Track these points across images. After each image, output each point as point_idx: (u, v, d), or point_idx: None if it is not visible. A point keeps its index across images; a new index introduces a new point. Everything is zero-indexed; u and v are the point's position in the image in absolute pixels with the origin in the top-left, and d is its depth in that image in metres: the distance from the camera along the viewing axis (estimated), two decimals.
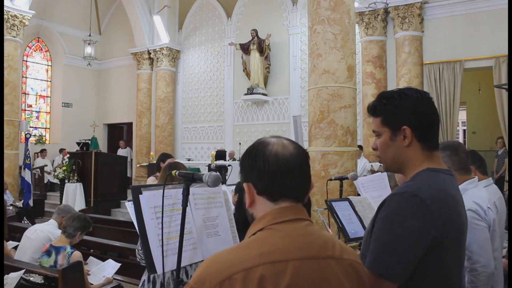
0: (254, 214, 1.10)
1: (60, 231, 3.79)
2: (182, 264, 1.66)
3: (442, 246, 1.18)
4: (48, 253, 3.44)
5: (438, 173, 1.28)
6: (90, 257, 4.14)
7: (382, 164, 1.43)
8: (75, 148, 10.82)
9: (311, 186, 1.12)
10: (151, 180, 4.97)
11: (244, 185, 1.10)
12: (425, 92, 1.35)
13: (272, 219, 1.04)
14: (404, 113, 1.30)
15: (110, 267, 3.86)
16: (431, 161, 1.31)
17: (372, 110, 1.37)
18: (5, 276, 3.26)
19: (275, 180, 1.04)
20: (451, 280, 1.23)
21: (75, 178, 9.69)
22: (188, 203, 1.68)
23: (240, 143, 10.88)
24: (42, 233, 3.95)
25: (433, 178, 1.26)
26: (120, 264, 3.89)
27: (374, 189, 2.99)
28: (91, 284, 3.56)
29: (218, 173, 1.65)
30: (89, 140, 10.66)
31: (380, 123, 1.35)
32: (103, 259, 4.09)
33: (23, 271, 3.30)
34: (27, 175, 9.15)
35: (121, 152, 13.08)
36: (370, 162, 8.10)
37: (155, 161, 6.65)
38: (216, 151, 10.26)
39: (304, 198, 1.10)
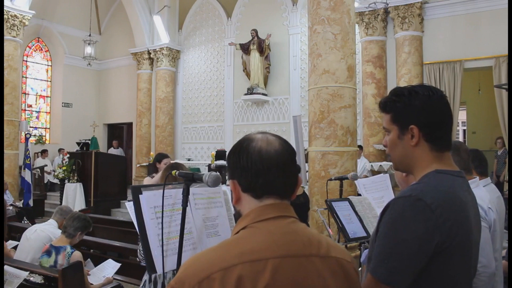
0: (240, 211, 1.09)
1: (60, 231, 3.79)
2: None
3: (448, 251, 1.15)
4: (48, 253, 3.45)
5: (446, 175, 1.25)
6: (88, 259, 4.14)
7: (390, 163, 1.42)
8: (75, 148, 10.82)
9: (299, 182, 1.10)
10: (147, 180, 4.97)
11: (230, 182, 1.10)
12: (437, 90, 1.29)
13: (255, 217, 1.03)
14: (413, 112, 1.26)
15: (110, 267, 3.86)
16: (440, 162, 1.27)
17: (383, 106, 1.33)
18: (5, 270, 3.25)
19: (258, 177, 1.03)
20: (458, 285, 1.21)
21: (75, 178, 9.69)
22: (188, 203, 1.68)
23: None
24: (42, 233, 3.95)
25: (440, 180, 1.22)
26: (120, 264, 3.89)
27: (376, 191, 2.98)
28: (91, 284, 3.56)
29: (218, 173, 1.65)
30: (89, 140, 10.67)
31: (389, 120, 1.31)
32: (103, 259, 4.09)
33: (27, 273, 3.28)
34: (27, 175, 9.16)
35: (112, 151, 13.09)
36: (370, 162, 8.10)
37: None
38: (216, 151, 10.26)
39: (290, 195, 1.09)
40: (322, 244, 1.05)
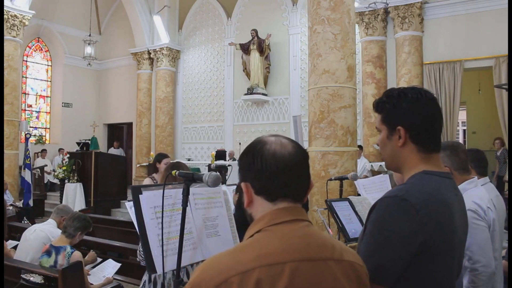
0: (252, 214, 1.09)
1: (59, 230, 3.79)
2: (182, 264, 1.65)
3: (432, 250, 1.17)
4: (48, 253, 3.44)
5: (433, 176, 1.27)
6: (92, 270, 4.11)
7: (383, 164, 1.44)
8: (75, 148, 10.82)
9: (311, 186, 1.10)
10: (147, 181, 4.96)
11: (242, 184, 1.09)
12: (427, 92, 1.31)
13: (270, 221, 1.03)
14: (400, 113, 1.29)
15: (110, 267, 3.86)
16: (428, 163, 1.29)
17: (375, 106, 1.37)
18: None
19: (273, 180, 1.03)
20: (440, 285, 1.23)
21: (75, 178, 9.68)
22: (188, 203, 1.68)
23: (240, 143, 10.88)
24: (41, 233, 3.95)
25: (426, 181, 1.25)
26: (120, 264, 3.89)
27: (376, 191, 2.98)
28: (91, 284, 3.57)
29: (218, 173, 1.65)
30: (89, 140, 10.66)
31: (380, 120, 1.35)
32: (103, 259, 4.09)
33: None
34: (27, 175, 9.15)
35: (112, 151, 13.09)
36: (370, 162, 8.10)
37: None
38: (216, 151, 10.27)
39: (303, 198, 1.09)
40: (336, 247, 1.05)
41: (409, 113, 1.28)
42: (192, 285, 0.96)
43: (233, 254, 0.99)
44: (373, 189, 3.01)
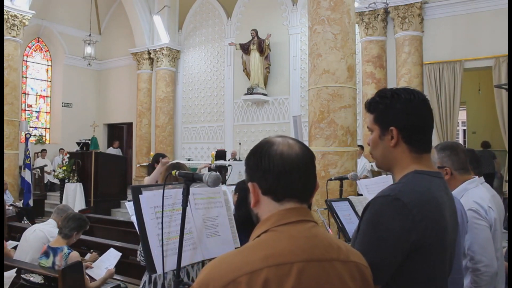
0: (258, 214, 1.09)
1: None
2: (182, 264, 1.65)
3: (424, 249, 1.19)
4: (46, 254, 3.44)
5: (424, 175, 1.28)
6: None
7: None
8: (75, 148, 10.82)
9: (317, 187, 1.11)
10: (147, 180, 4.97)
11: (249, 184, 1.09)
12: (419, 93, 1.33)
13: (277, 221, 1.04)
14: (393, 114, 1.30)
15: (112, 256, 3.86)
16: (419, 163, 1.31)
17: (368, 106, 1.38)
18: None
19: (280, 180, 1.04)
20: (434, 283, 1.24)
21: (75, 178, 9.68)
22: (188, 203, 1.68)
23: (240, 143, 10.88)
24: (41, 233, 3.95)
25: (418, 181, 1.26)
26: (121, 254, 3.92)
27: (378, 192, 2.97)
28: (93, 279, 3.57)
29: (218, 173, 1.65)
30: (89, 140, 10.67)
31: (372, 120, 1.36)
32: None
33: (14, 270, 3.29)
34: (27, 175, 9.15)
35: (111, 151, 13.07)
36: (370, 162, 8.09)
37: None
38: (216, 151, 10.25)
39: (309, 199, 1.09)
40: (341, 248, 1.06)
41: (402, 114, 1.29)
42: (200, 284, 0.96)
43: (242, 254, 1.00)
44: (376, 190, 2.99)
